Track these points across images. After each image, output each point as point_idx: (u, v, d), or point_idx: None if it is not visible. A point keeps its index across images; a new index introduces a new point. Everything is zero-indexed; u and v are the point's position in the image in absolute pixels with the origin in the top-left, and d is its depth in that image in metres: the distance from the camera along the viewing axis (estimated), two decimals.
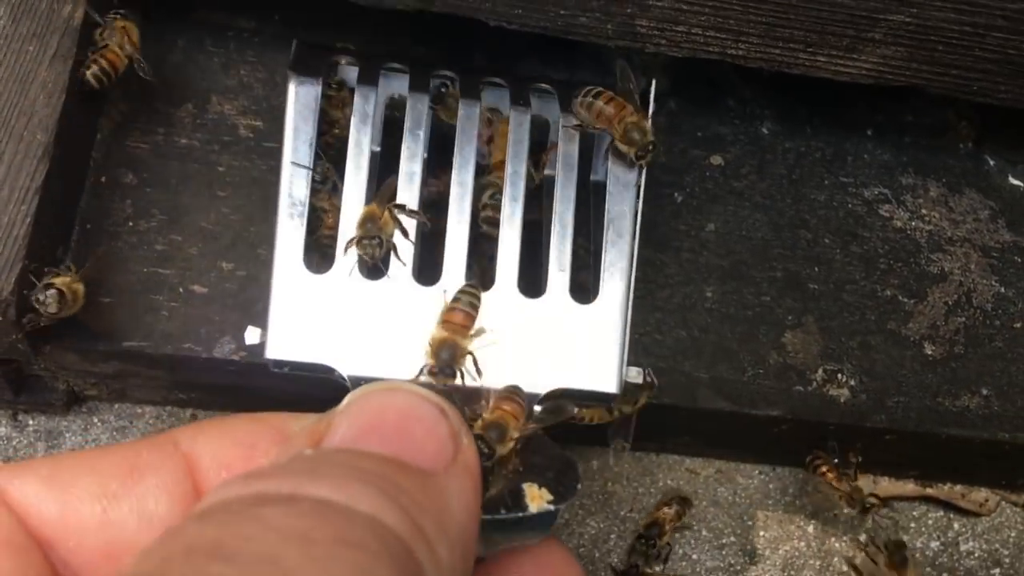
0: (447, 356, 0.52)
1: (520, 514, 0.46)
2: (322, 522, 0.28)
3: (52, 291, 0.54)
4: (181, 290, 0.62)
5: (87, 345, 0.60)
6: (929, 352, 0.70)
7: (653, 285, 0.68)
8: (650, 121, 0.60)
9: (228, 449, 0.39)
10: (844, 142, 0.76)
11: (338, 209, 0.57)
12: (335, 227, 0.57)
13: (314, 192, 0.57)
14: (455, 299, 0.54)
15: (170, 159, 0.65)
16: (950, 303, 0.72)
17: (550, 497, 0.47)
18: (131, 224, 0.63)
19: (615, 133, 0.58)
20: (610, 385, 0.56)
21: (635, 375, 0.58)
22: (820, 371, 0.68)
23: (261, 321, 0.55)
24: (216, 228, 0.64)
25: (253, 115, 0.67)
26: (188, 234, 0.63)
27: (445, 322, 0.53)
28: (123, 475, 0.37)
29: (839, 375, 0.68)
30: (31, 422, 0.69)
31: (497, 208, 0.59)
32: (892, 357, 0.70)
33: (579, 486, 0.51)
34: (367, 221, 0.54)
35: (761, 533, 0.75)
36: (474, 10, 0.61)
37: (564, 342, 0.56)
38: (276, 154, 0.66)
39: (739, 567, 0.74)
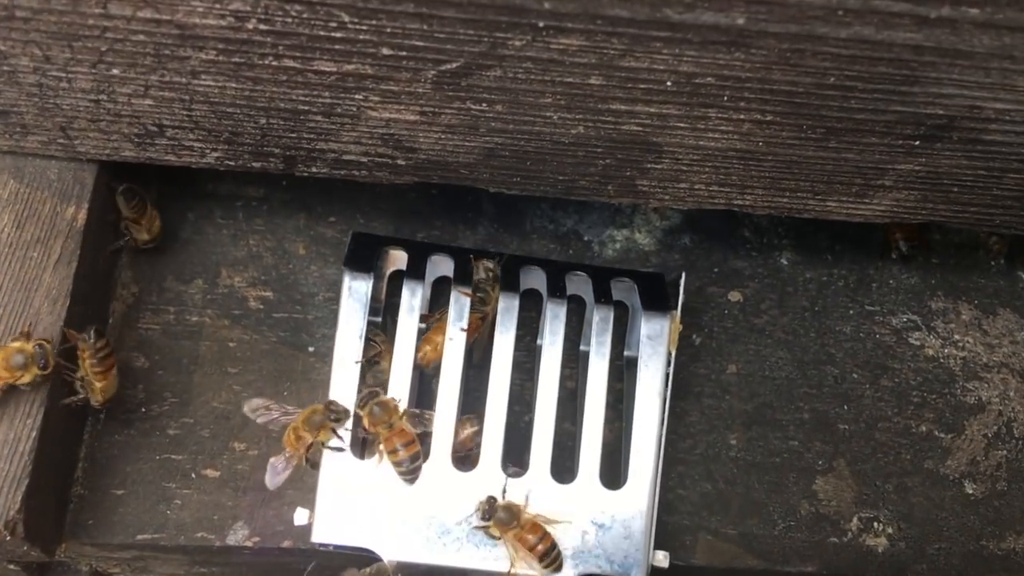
0: None
1: None
2: None
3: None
4: (193, 475, 0.62)
5: (101, 540, 0.60)
6: (970, 491, 0.67)
7: (674, 436, 0.66)
8: (679, 313, 0.62)
9: None
10: (868, 267, 0.73)
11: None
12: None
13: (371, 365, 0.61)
14: None
15: (181, 338, 0.65)
16: (990, 435, 0.69)
17: None
18: (143, 410, 0.63)
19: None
20: (637, 571, 0.58)
21: (662, 559, 0.58)
22: (855, 519, 0.65)
23: (308, 503, 0.58)
24: (227, 407, 0.63)
25: (263, 286, 0.67)
26: (200, 415, 0.63)
27: None
28: None
29: (875, 523, 0.65)
30: None
31: None
32: (931, 499, 0.66)
33: None
34: None
35: None
36: (474, 180, 0.60)
37: (592, 527, 0.58)
38: (285, 324, 0.66)
39: None
